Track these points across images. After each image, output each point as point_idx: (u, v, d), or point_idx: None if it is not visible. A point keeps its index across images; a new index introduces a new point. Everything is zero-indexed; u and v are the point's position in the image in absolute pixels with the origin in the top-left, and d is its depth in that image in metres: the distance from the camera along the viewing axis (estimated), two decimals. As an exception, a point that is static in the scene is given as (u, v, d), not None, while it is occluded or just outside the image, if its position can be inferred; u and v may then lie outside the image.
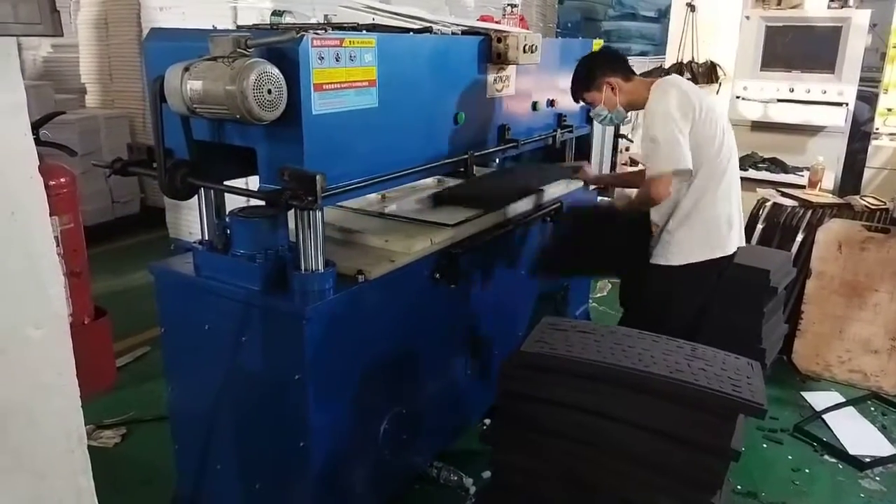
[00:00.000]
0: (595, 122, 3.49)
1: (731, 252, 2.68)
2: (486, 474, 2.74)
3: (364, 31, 2.14)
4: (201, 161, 2.03)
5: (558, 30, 9.05)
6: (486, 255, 2.75)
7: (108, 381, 3.39)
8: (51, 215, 1.25)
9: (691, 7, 5.54)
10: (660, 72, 5.70)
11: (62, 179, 3.10)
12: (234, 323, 2.10)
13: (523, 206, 3.02)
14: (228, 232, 2.18)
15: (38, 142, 1.50)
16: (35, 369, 1.24)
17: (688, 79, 5.40)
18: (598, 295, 4.81)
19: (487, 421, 2.99)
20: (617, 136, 3.78)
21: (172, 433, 2.45)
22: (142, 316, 3.67)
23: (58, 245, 2.91)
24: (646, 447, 2.07)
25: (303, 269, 2.04)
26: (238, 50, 1.77)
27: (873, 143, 5.41)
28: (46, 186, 1.22)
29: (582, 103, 2.87)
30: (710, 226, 2.61)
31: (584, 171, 3.33)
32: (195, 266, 2.21)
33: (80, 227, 3.22)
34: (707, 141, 2.53)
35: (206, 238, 2.24)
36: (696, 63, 5.52)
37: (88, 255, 3.32)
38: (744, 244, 2.77)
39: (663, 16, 8.36)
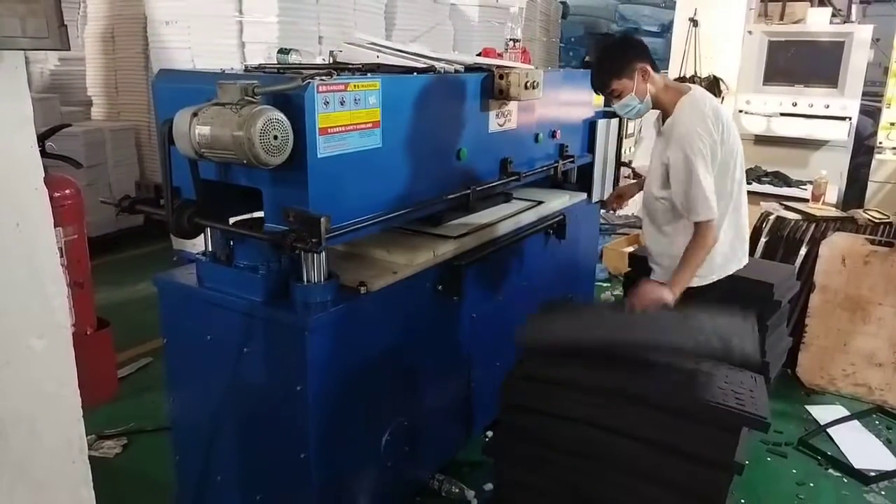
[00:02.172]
0: (599, 143, 3.50)
1: (744, 264, 2.63)
2: (489, 487, 2.73)
3: (369, 74, 2.17)
4: (208, 198, 2.05)
5: (561, 44, 9.10)
6: (489, 267, 2.76)
7: (110, 391, 3.40)
8: (55, 226, 1.26)
9: (694, 22, 5.57)
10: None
11: (67, 191, 3.12)
12: (237, 334, 2.11)
13: (526, 218, 3.03)
14: (231, 244, 2.19)
15: (43, 154, 1.51)
16: (37, 379, 1.25)
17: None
18: (601, 308, 4.81)
19: (490, 433, 2.98)
20: (619, 164, 3.77)
21: (173, 444, 2.45)
22: (144, 327, 3.68)
23: (62, 256, 2.92)
24: (649, 461, 2.06)
25: (305, 280, 2.04)
26: (245, 98, 1.79)
27: (877, 157, 5.42)
28: (51, 198, 1.23)
29: (604, 97, 2.57)
30: (732, 243, 2.55)
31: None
32: (198, 277, 2.22)
33: (85, 238, 3.23)
34: (729, 163, 2.45)
35: (210, 250, 2.25)
36: (699, 77, 5.54)
37: (92, 265, 3.33)
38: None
39: (666, 30, 8.40)
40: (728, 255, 2.56)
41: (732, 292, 2.69)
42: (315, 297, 2.04)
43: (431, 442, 2.64)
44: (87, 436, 1.36)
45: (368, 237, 2.26)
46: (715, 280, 2.53)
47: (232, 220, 2.18)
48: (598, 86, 2.53)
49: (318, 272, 2.04)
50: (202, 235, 2.29)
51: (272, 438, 2.15)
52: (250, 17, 4.92)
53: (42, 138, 3.01)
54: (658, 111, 2.54)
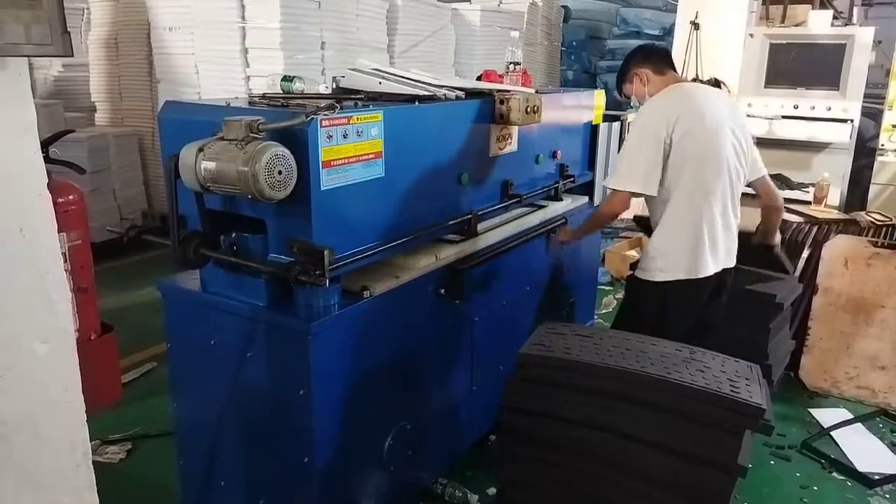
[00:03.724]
0: (601, 146, 3.54)
1: (711, 273, 2.61)
2: (492, 491, 2.73)
3: (371, 105, 2.18)
4: (213, 227, 2.07)
5: (563, 47, 9.10)
6: (491, 270, 2.76)
7: (114, 396, 3.40)
8: (59, 232, 1.27)
9: (695, 25, 5.57)
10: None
11: (70, 196, 3.13)
12: (240, 339, 2.12)
13: (528, 221, 3.03)
14: (235, 248, 2.20)
15: (47, 159, 1.53)
16: (41, 384, 1.25)
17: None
18: (604, 311, 4.81)
19: (493, 437, 2.98)
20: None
21: (177, 449, 2.45)
22: (148, 332, 3.69)
23: (65, 261, 2.94)
24: (652, 463, 2.06)
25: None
26: (250, 134, 1.81)
27: (879, 159, 5.41)
28: (55, 203, 1.24)
29: (625, 101, 2.97)
30: (694, 244, 2.56)
31: (562, 231, 3.20)
32: (202, 282, 2.23)
33: (88, 243, 3.24)
34: (695, 156, 2.49)
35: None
36: (701, 80, 5.53)
37: (96, 270, 3.34)
38: (731, 266, 2.72)
39: (667, 34, 8.42)
40: (696, 255, 2.58)
41: (735, 294, 2.72)
42: (318, 302, 2.05)
43: (434, 445, 2.64)
44: (91, 440, 1.36)
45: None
46: (678, 279, 2.59)
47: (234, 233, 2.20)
48: (617, 91, 2.89)
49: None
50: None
51: (275, 443, 2.15)
52: (253, 24, 4.95)
53: (46, 144, 3.02)
54: None
